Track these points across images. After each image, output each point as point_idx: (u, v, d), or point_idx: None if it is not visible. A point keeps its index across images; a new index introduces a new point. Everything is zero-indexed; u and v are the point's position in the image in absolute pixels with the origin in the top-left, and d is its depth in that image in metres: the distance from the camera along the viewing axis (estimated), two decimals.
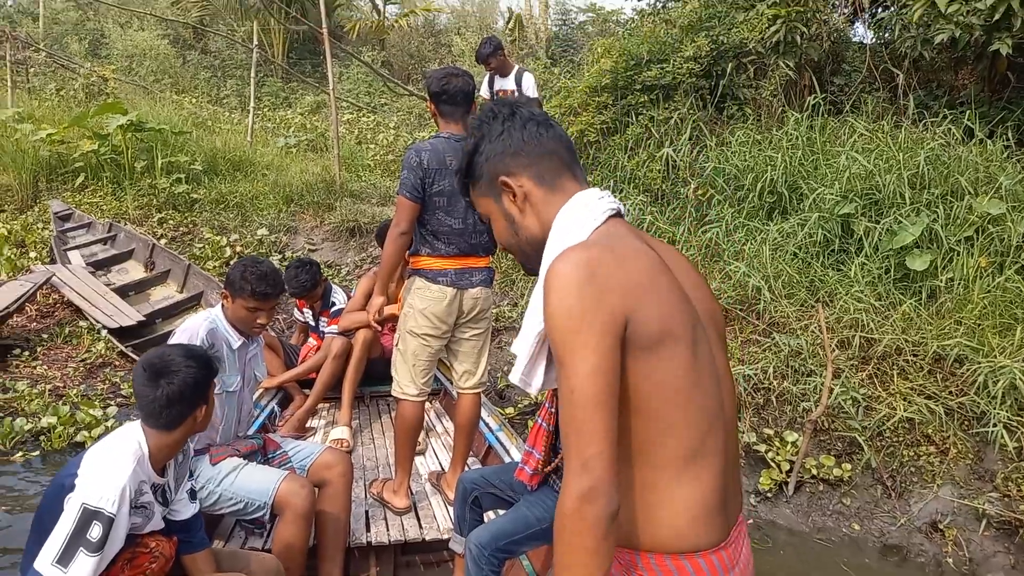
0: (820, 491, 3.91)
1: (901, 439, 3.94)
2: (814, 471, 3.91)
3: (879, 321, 4.43)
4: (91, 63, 14.38)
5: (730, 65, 6.99)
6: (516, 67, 6.49)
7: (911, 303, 4.47)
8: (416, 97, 12.41)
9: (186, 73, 16.04)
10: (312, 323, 4.53)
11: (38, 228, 7.44)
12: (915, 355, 4.23)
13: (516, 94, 6.27)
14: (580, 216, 1.24)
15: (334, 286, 4.46)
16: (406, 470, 3.21)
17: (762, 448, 4.03)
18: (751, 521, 3.84)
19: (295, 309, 4.82)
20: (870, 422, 3.99)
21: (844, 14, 7.91)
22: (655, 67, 7.04)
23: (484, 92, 6.57)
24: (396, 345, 3.13)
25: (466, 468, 3.37)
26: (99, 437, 2.48)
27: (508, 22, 17.73)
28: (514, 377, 1.28)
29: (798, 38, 6.86)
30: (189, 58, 16.70)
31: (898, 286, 4.73)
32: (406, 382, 3.08)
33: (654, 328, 1.09)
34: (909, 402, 3.99)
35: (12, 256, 6.67)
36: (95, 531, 1.73)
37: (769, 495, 3.93)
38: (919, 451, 3.87)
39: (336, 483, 2.80)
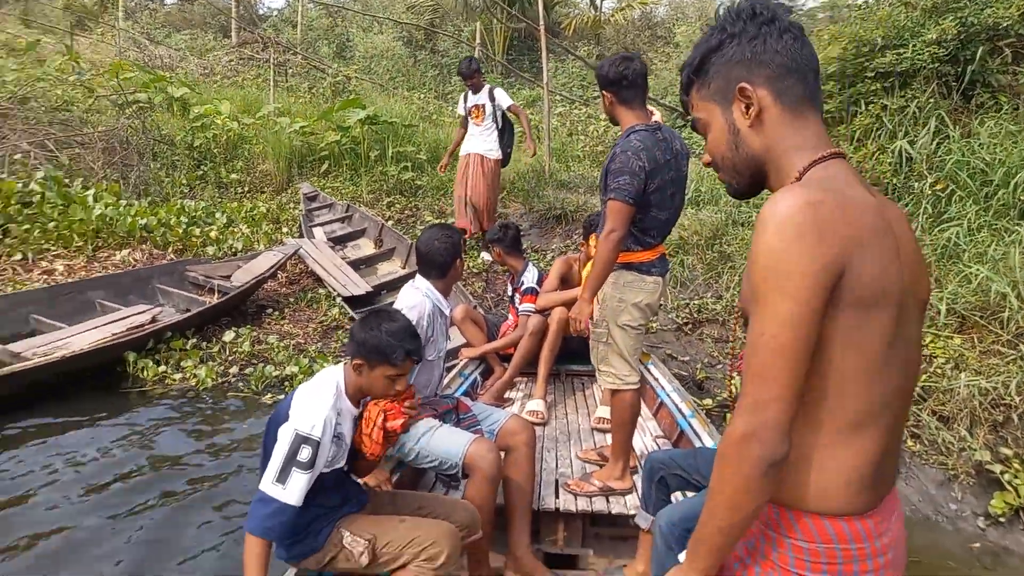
0: None
1: None
2: None
3: None
4: (337, 64, 16.07)
5: (981, 48, 6.21)
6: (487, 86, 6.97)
7: None
8: None
9: (416, 71, 17.33)
10: (511, 299, 4.75)
11: (290, 207, 8.52)
12: None
13: (488, 108, 6.85)
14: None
15: (530, 264, 4.65)
16: (628, 454, 3.22)
17: (997, 468, 3.60)
18: (978, 544, 3.45)
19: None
20: None
21: None
22: (891, 53, 6.44)
23: (460, 109, 7.19)
24: (602, 340, 3.07)
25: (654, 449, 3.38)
26: None
27: None
28: None
29: None
30: (420, 58, 18.02)
31: None
32: (626, 372, 3.05)
33: (868, 288, 1.03)
34: None
35: (269, 230, 7.72)
36: (304, 453, 2.04)
37: (1002, 519, 3.50)
38: None
39: (520, 450, 2.92)
